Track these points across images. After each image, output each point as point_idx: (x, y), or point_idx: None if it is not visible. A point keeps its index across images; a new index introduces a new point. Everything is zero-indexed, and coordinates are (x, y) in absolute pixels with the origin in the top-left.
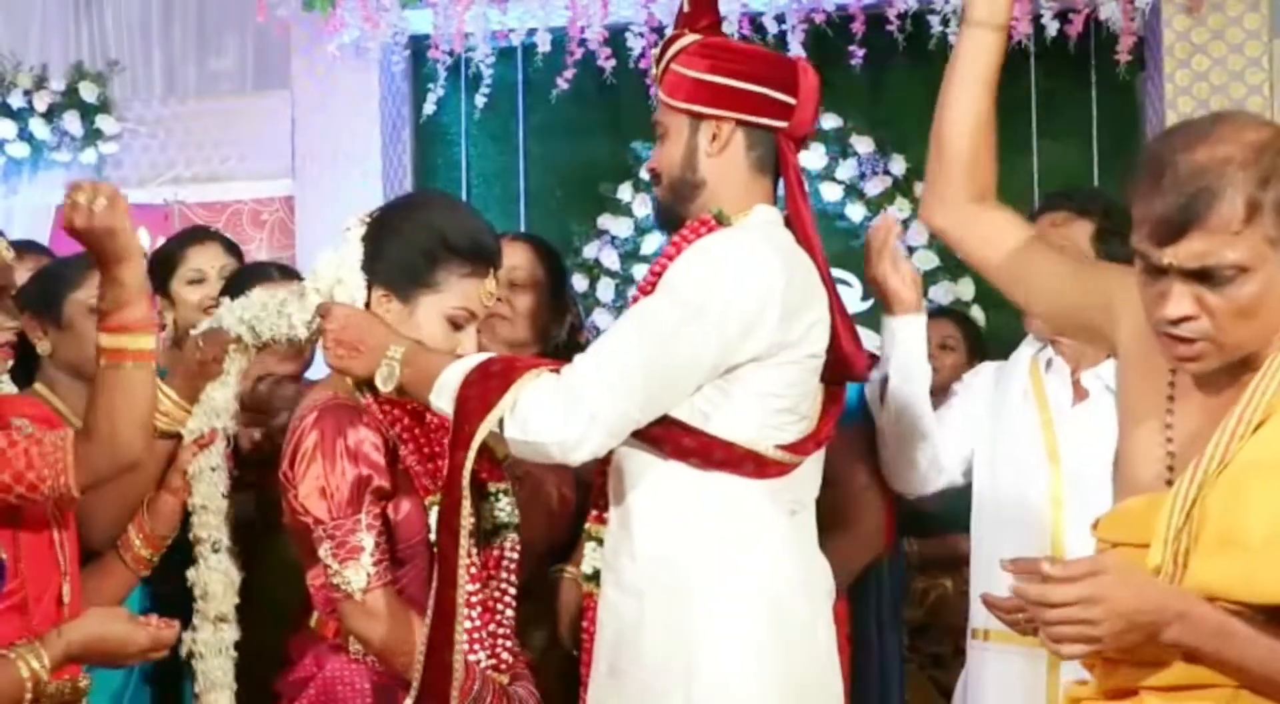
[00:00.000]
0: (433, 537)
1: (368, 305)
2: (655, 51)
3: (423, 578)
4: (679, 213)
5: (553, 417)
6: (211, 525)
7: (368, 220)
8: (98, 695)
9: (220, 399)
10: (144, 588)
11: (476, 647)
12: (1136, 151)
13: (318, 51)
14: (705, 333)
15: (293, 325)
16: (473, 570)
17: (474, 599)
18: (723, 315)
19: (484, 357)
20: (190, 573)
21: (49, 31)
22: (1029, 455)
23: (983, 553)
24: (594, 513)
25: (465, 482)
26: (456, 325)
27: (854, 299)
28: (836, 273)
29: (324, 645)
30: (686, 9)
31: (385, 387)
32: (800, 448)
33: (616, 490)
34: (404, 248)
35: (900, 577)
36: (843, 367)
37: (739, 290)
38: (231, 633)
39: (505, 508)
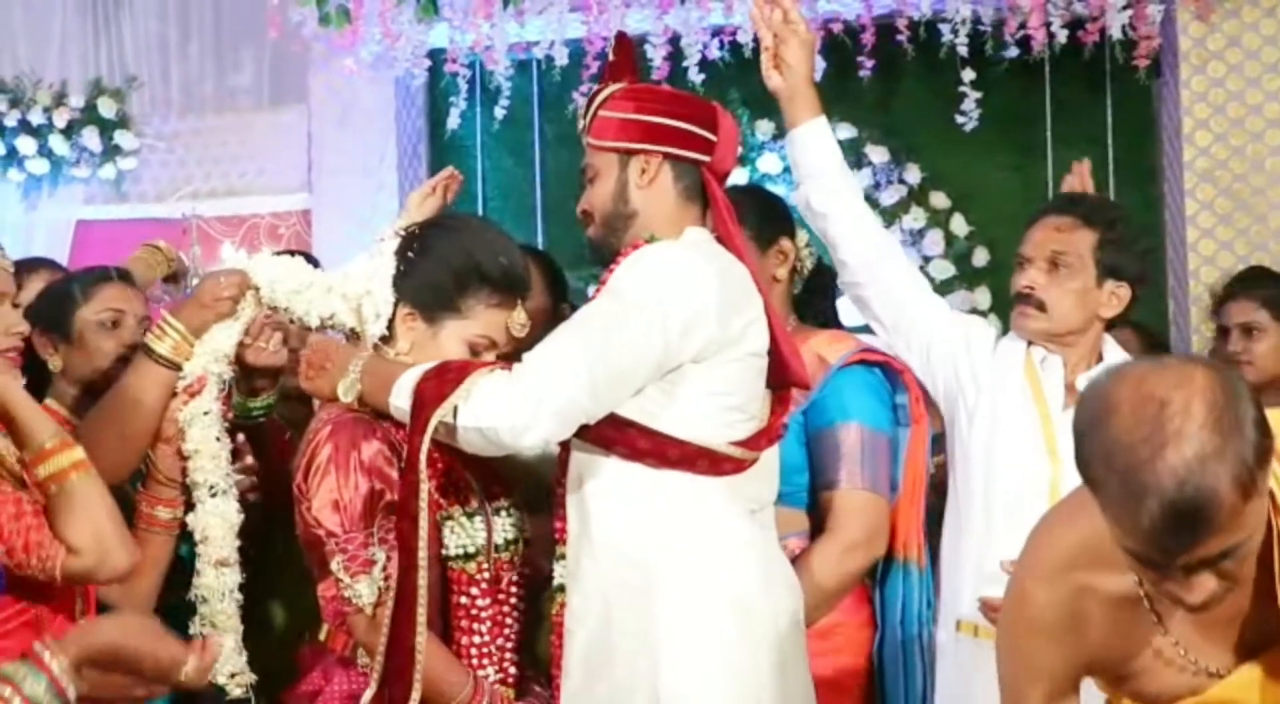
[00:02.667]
0: (445, 552)
1: (392, 320)
2: (583, 104)
3: (432, 593)
4: (613, 245)
5: (502, 402)
6: (207, 469)
7: (403, 235)
8: None
9: (222, 341)
10: None
11: (485, 661)
12: (1153, 159)
13: (335, 66)
14: (647, 327)
15: (308, 311)
16: (484, 585)
17: (483, 614)
18: (664, 313)
19: (441, 360)
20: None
21: (68, 48)
22: (1028, 451)
23: (970, 546)
24: (558, 524)
25: (422, 466)
26: (476, 352)
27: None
28: None
29: (332, 658)
30: (613, 59)
31: (347, 397)
32: (753, 443)
33: (574, 496)
34: (436, 270)
35: (929, 585)
36: (784, 370)
37: (676, 290)
38: (233, 576)
39: (515, 523)
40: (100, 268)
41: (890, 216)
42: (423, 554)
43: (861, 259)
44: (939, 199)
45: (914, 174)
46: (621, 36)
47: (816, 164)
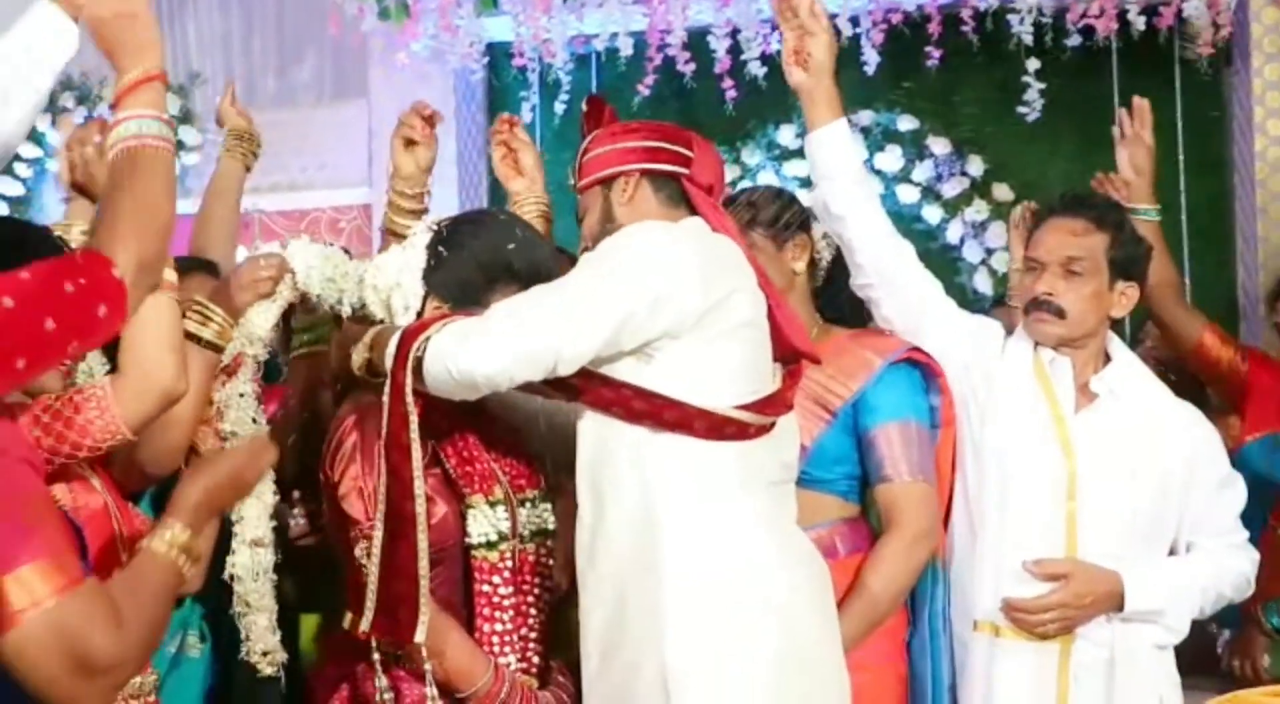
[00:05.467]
0: (469, 540)
1: (421, 313)
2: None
3: (454, 580)
4: None
5: (461, 336)
6: None
7: (434, 229)
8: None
9: (259, 323)
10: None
11: (507, 649)
12: (1222, 150)
13: (395, 61)
14: (617, 283)
15: (339, 300)
16: (506, 573)
17: (506, 602)
18: (638, 276)
19: None
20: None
21: None
22: (1043, 450)
23: (986, 545)
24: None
25: (408, 398)
26: None
27: None
28: None
29: (361, 648)
30: (586, 113)
31: (358, 369)
32: (758, 408)
33: (586, 473)
34: (466, 265)
35: (949, 584)
36: (785, 344)
37: (652, 259)
38: (268, 557)
39: (542, 514)
40: (188, 258)
41: (952, 209)
42: (418, 485)
43: (877, 262)
44: (1002, 191)
45: (977, 166)
46: (592, 98)
47: (837, 166)
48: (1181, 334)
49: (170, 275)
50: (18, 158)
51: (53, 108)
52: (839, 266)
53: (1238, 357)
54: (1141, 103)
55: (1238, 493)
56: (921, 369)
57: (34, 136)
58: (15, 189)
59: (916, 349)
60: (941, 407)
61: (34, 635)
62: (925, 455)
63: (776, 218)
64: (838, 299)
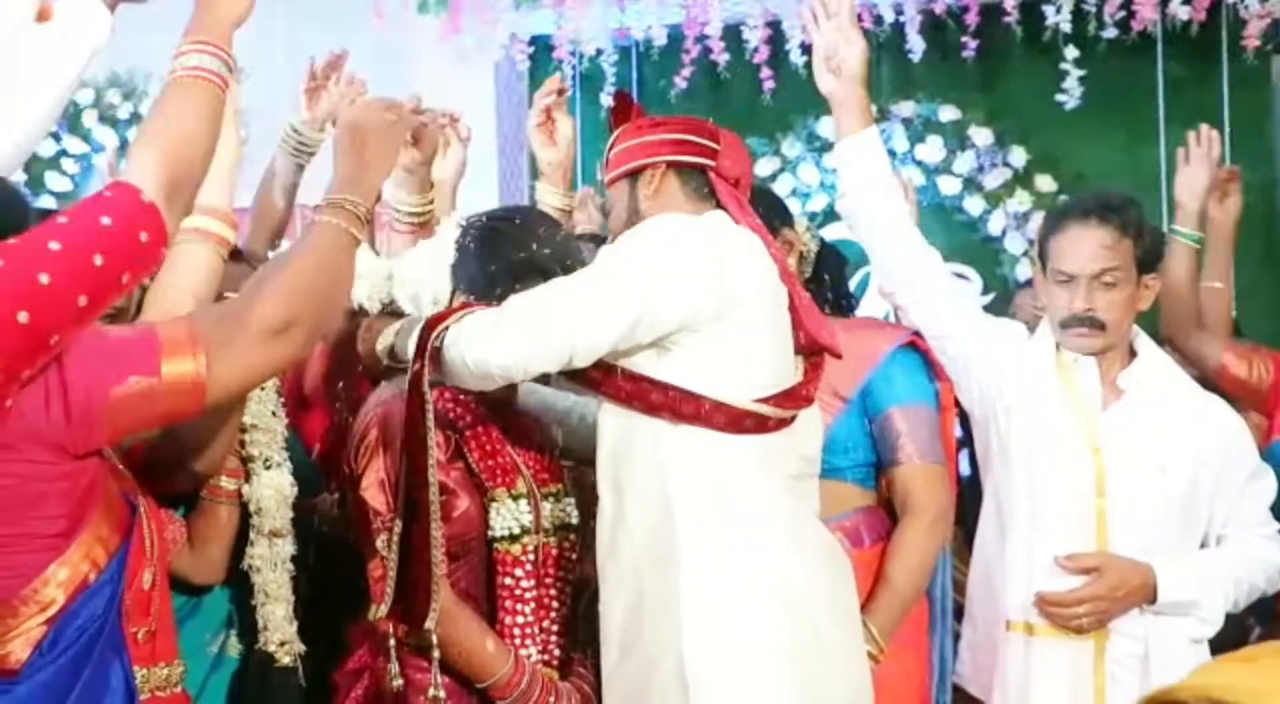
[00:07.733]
0: (490, 533)
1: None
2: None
3: (476, 573)
4: None
5: (475, 328)
6: (262, 443)
7: (464, 225)
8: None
9: None
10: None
11: (528, 641)
12: (1270, 139)
13: (435, 55)
14: (634, 276)
15: (369, 295)
16: (528, 566)
17: (528, 595)
18: (655, 269)
19: None
20: (246, 488)
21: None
22: (1070, 447)
23: (1017, 546)
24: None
25: (426, 390)
26: None
27: (973, 293)
28: (956, 266)
29: (380, 637)
30: (613, 109)
31: (382, 353)
32: (777, 401)
33: (607, 466)
34: (494, 262)
35: (952, 563)
36: (808, 337)
37: (669, 253)
38: (286, 547)
39: (566, 508)
40: None
41: (994, 200)
42: (432, 473)
43: (905, 270)
44: (1045, 182)
45: (1019, 156)
46: (619, 93)
47: (868, 176)
48: (1202, 360)
49: (224, 230)
50: (65, 154)
51: (98, 104)
52: (824, 261)
53: (1261, 367)
54: (1211, 133)
55: (1267, 485)
56: (922, 354)
57: (81, 133)
58: (63, 185)
59: (918, 335)
60: (941, 392)
61: (226, 382)
62: (935, 437)
63: (760, 216)
64: (824, 293)
